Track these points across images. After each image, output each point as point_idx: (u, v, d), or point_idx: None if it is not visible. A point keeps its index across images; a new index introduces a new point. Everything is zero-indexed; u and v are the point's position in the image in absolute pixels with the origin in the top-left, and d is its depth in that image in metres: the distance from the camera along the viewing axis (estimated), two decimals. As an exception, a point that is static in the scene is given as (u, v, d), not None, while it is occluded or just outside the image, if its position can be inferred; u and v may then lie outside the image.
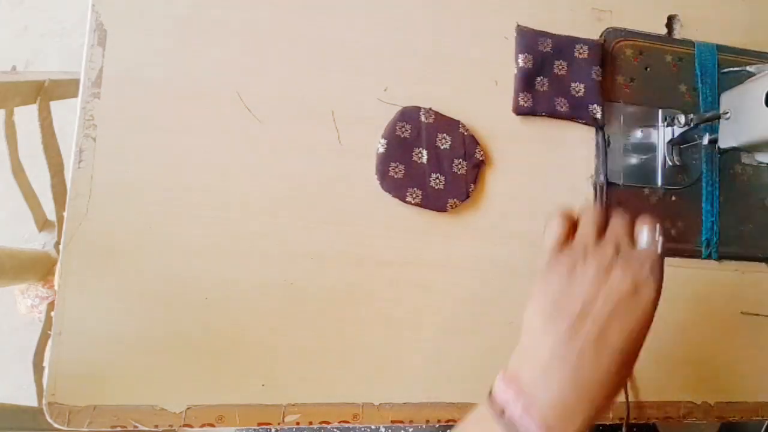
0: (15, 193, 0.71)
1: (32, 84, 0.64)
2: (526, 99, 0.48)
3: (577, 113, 0.49)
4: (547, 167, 0.49)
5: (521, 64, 0.48)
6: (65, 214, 0.42)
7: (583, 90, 0.49)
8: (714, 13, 0.53)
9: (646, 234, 0.33)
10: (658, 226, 0.33)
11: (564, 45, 0.49)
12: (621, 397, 0.47)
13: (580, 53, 0.49)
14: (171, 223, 0.43)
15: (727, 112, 0.46)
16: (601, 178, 0.49)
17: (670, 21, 0.52)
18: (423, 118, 0.46)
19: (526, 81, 0.48)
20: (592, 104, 0.49)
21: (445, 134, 0.46)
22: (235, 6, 0.45)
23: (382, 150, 0.45)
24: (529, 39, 0.48)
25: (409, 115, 0.46)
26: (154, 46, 0.43)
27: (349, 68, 0.46)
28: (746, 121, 0.44)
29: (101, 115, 0.42)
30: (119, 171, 0.42)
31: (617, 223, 0.34)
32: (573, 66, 0.49)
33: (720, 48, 0.52)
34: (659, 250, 0.32)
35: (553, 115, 0.48)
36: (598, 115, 0.49)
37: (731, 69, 0.52)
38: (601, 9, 0.51)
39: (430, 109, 0.46)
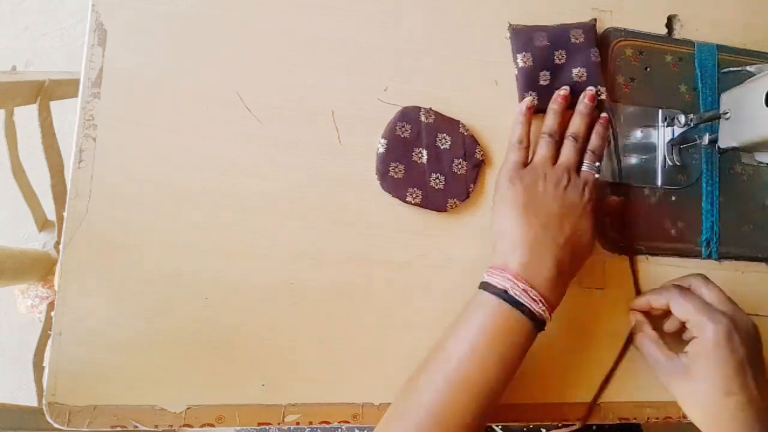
0: (15, 193, 0.71)
1: (32, 84, 0.64)
2: (532, 98, 0.47)
3: None
4: (547, 167, 0.48)
5: (521, 63, 0.48)
6: (65, 214, 0.42)
7: (585, 74, 0.48)
8: (714, 13, 0.53)
9: (588, 160, 0.46)
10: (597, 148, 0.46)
11: (559, 34, 0.48)
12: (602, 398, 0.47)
13: (576, 39, 0.48)
14: (171, 223, 0.43)
15: (727, 112, 0.46)
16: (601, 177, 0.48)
17: (670, 21, 0.52)
18: (423, 118, 0.46)
19: (530, 79, 0.48)
20: (597, 86, 0.48)
21: (445, 134, 0.46)
22: (235, 6, 0.45)
23: (382, 150, 0.45)
24: (524, 37, 0.48)
25: (409, 115, 0.46)
26: (154, 46, 0.44)
27: (349, 68, 0.46)
28: (746, 121, 0.44)
29: (101, 115, 0.42)
30: (119, 171, 0.42)
31: (567, 150, 0.45)
32: (571, 52, 0.48)
33: (720, 48, 0.52)
34: (596, 174, 0.45)
35: None
36: (604, 97, 0.48)
37: (731, 69, 0.52)
38: (601, 9, 0.51)
39: (430, 109, 0.46)
